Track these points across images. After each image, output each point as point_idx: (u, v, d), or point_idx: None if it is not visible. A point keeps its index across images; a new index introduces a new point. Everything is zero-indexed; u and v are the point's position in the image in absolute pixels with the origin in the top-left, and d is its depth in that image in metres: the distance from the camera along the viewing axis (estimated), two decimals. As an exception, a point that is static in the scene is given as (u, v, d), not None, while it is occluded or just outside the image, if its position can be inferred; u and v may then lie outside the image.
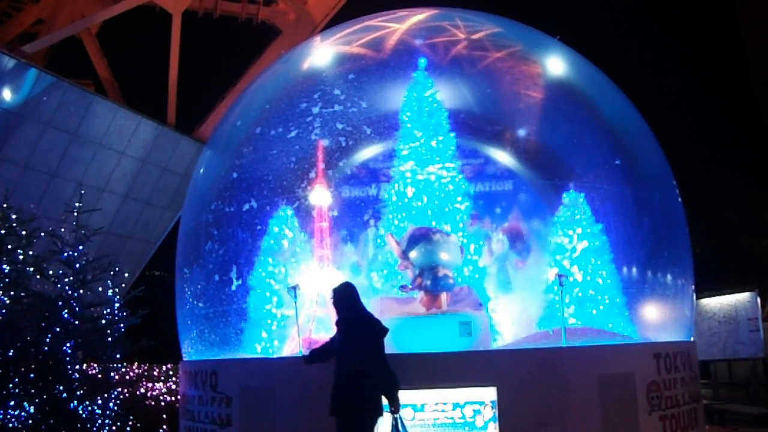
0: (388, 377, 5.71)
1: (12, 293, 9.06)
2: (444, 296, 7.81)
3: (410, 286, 7.97)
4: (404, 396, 5.98)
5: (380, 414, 5.69)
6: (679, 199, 9.63)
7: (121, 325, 9.55)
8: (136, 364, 13.66)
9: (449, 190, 8.94)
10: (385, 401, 5.75)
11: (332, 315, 7.88)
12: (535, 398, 6.53)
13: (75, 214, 9.63)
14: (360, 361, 5.66)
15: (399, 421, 5.72)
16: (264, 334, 8.43)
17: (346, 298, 6.05)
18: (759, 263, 20.56)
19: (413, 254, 7.90)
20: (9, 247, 9.29)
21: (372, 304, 7.60)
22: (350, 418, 5.61)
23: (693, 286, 9.37)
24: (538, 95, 9.39)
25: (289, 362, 7.19)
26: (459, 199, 8.95)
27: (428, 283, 7.71)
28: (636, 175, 9.16)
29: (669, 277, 8.93)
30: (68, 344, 8.84)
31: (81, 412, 8.64)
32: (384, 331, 5.88)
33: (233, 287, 8.66)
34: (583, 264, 8.50)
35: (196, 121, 22.71)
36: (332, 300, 6.12)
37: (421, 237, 7.95)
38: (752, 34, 27.72)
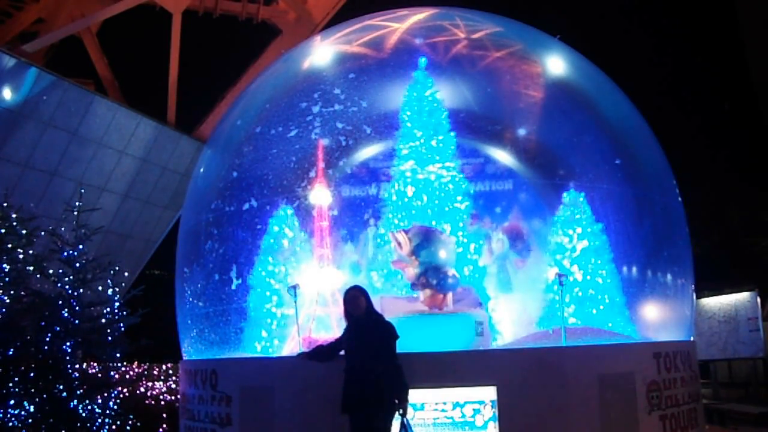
0: (399, 378, 5.72)
1: (12, 292, 9.05)
2: (450, 296, 7.83)
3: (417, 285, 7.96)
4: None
5: (394, 408, 5.68)
6: (679, 199, 9.63)
7: (121, 324, 9.55)
8: (136, 363, 13.70)
9: (449, 190, 8.93)
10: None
11: (335, 314, 7.94)
12: (535, 398, 6.53)
13: (75, 213, 9.63)
14: (372, 360, 5.69)
15: (407, 423, 5.73)
16: (264, 334, 8.44)
17: (359, 299, 6.03)
18: (759, 263, 20.57)
19: (422, 253, 7.89)
20: (9, 246, 9.28)
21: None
22: (363, 414, 5.63)
23: (693, 286, 9.38)
24: (538, 94, 9.39)
25: (289, 362, 7.19)
26: (459, 198, 8.94)
27: (434, 282, 7.71)
28: (636, 175, 9.16)
29: (669, 276, 8.93)
30: (68, 343, 8.83)
31: (81, 411, 8.63)
32: (396, 336, 5.93)
33: (233, 286, 8.67)
34: (583, 263, 8.50)
35: (196, 121, 22.67)
36: (344, 300, 6.11)
37: (431, 236, 7.94)
38: (752, 34, 27.70)
